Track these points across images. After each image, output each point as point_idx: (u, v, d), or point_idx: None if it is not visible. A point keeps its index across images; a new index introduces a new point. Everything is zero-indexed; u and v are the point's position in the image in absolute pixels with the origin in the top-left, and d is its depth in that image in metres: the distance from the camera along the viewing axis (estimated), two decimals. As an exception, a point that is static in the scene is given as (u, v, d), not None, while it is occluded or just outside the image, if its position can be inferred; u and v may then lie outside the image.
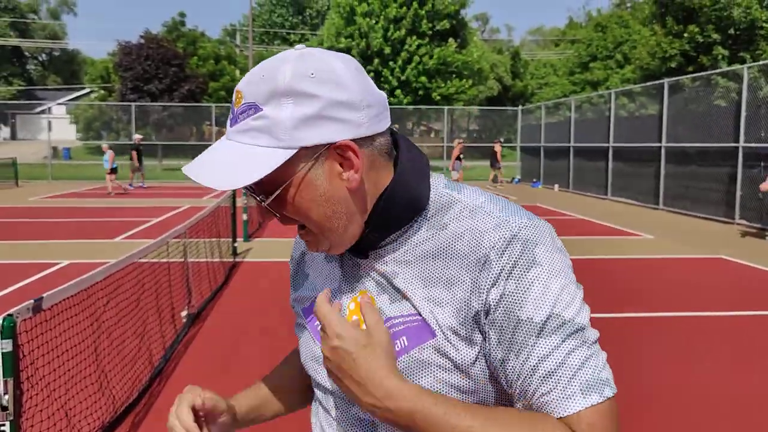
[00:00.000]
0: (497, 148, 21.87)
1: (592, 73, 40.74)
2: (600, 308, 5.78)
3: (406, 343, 0.85)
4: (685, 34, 25.86)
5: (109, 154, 18.72)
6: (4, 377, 2.34)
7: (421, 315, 0.84)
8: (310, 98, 0.79)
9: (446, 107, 29.52)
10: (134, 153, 20.46)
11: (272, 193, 0.82)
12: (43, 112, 57.54)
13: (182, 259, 5.47)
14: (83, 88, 60.89)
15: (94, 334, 3.24)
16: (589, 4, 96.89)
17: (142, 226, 11.19)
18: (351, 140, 0.81)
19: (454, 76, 31.16)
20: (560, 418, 0.77)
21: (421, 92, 30.79)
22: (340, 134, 0.80)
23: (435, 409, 0.76)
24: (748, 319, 5.46)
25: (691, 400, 3.72)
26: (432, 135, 58.92)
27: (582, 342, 0.79)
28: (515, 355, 0.79)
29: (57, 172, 26.51)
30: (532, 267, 0.80)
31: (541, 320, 0.78)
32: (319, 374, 0.95)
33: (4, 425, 2.33)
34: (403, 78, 30.31)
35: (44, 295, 2.66)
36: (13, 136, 55.13)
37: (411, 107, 30.69)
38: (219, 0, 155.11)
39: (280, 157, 0.79)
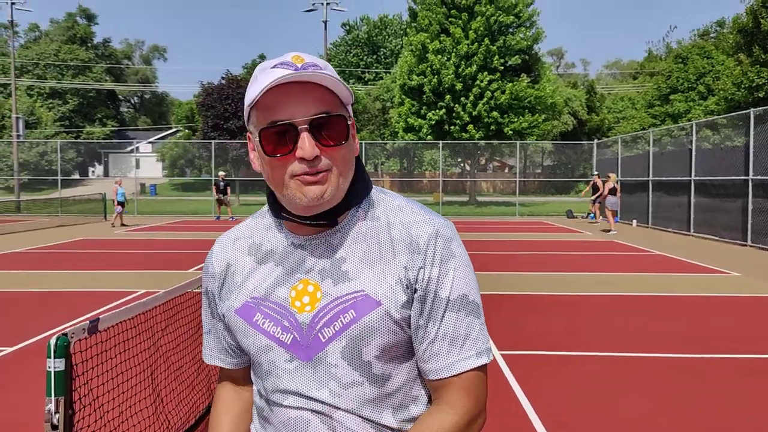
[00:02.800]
0: (599, 182, 20.60)
1: (672, 105, 39.35)
2: (683, 348, 5.40)
3: (355, 314, 1.02)
4: (774, 63, 24.62)
5: (121, 189, 19.58)
6: (55, 396, 2.38)
7: (364, 291, 1.02)
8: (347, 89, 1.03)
9: (519, 142, 29.16)
10: (214, 188, 22.03)
11: (344, 139, 1.02)
12: (132, 151, 61.18)
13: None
14: (170, 128, 64.34)
15: (150, 358, 3.28)
16: (668, 36, 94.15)
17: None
18: None
19: (526, 111, 30.80)
20: (457, 374, 1.03)
21: (493, 127, 30.54)
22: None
23: None
24: None
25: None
26: (506, 171, 58.36)
27: (478, 317, 1.05)
28: (433, 323, 1.03)
29: (142, 207, 27.94)
30: (451, 258, 1.04)
31: (453, 299, 1.03)
32: (272, 361, 1.08)
33: (54, 444, 2.36)
34: (474, 113, 30.21)
35: (100, 316, 2.71)
36: (106, 174, 58.69)
37: (483, 142, 30.52)
38: (298, 42, 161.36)
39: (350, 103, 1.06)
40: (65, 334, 2.47)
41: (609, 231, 17.28)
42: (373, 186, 1.13)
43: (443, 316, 1.02)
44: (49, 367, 2.42)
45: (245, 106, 1.04)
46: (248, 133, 1.07)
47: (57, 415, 2.39)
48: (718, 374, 4.71)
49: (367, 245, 1.05)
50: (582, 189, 21.17)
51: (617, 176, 21.65)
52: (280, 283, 1.07)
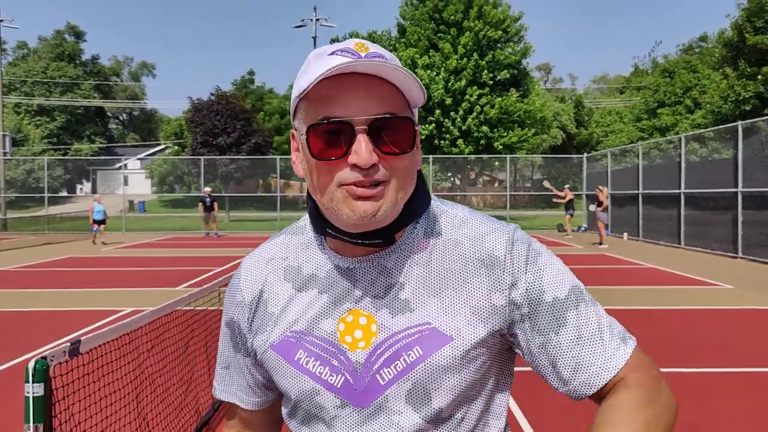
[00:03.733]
0: (570, 194, 20.82)
1: (660, 119, 39.71)
2: (676, 362, 5.34)
3: (421, 352, 0.87)
4: (759, 76, 24.91)
5: (101, 206, 19.12)
6: (34, 422, 2.27)
7: (431, 324, 0.87)
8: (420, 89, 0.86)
9: (509, 156, 29.25)
10: (200, 204, 21.92)
11: (408, 147, 0.85)
12: (120, 168, 60.91)
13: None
14: (159, 145, 64.12)
15: (136, 380, 3.17)
16: (654, 51, 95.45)
17: (205, 275, 11.38)
18: None
19: (516, 125, 30.94)
20: (615, 375, 0.86)
21: (483, 142, 30.65)
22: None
23: None
24: None
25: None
26: (496, 185, 58.55)
27: (595, 302, 0.91)
28: (555, 333, 0.87)
29: (130, 224, 27.72)
30: (538, 257, 0.90)
31: (565, 296, 0.88)
32: (319, 407, 0.92)
33: (33, 473, 2.25)
34: (464, 128, 30.32)
35: (82, 338, 2.61)
36: (94, 191, 58.27)
37: (473, 156, 30.58)
38: (287, 58, 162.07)
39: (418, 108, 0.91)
40: (44, 358, 2.37)
41: (600, 244, 17.28)
42: (432, 197, 0.98)
43: (565, 320, 0.87)
44: (27, 393, 2.31)
45: (293, 97, 0.88)
46: (293, 130, 0.92)
47: (36, 443, 2.29)
48: (707, 387, 4.64)
49: (429, 268, 0.89)
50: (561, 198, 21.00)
51: (608, 189, 21.71)
52: (325, 315, 0.91)
